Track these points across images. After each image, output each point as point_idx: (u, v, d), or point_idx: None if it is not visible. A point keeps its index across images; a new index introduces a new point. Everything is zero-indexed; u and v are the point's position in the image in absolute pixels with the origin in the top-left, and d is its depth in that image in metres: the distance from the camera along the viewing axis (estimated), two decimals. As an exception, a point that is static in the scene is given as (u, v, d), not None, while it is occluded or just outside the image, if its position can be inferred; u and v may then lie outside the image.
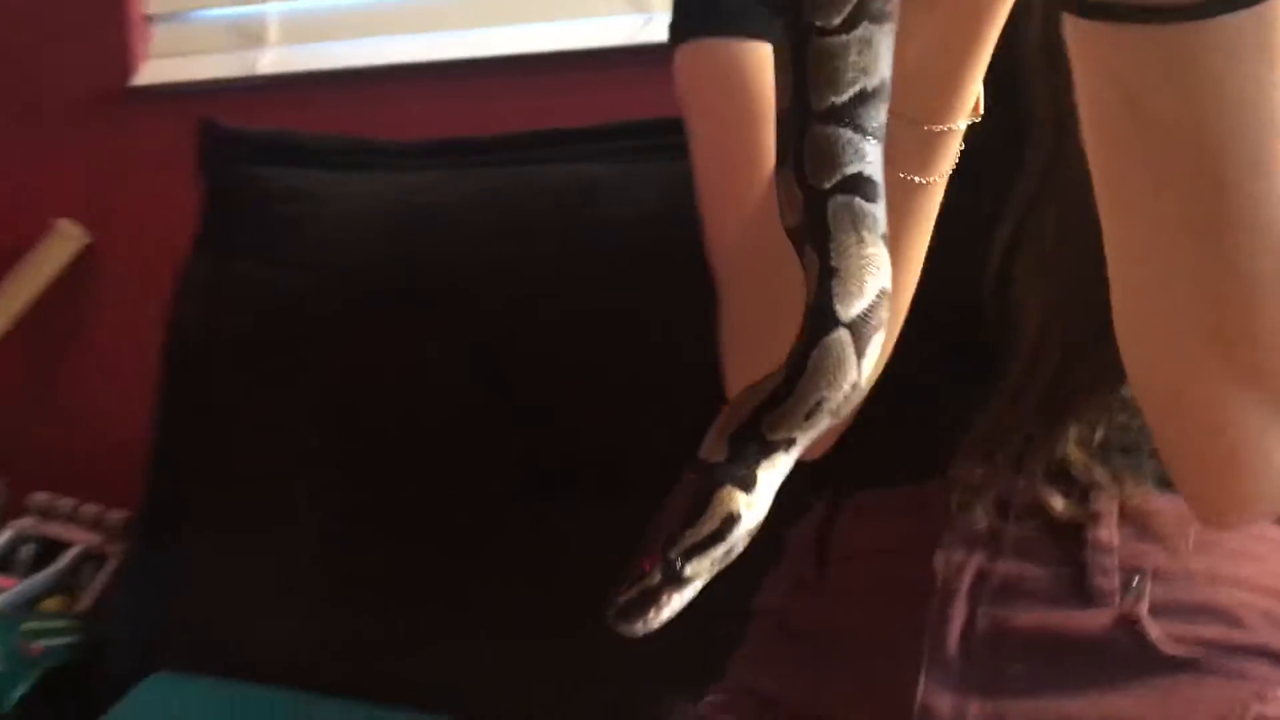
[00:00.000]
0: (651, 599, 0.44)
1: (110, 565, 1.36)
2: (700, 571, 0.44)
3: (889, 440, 0.75)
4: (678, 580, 0.44)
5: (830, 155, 0.44)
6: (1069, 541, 0.72)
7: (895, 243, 0.49)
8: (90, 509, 1.42)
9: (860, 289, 0.44)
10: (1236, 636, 0.70)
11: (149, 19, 1.66)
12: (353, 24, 1.58)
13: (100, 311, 1.70)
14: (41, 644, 1.22)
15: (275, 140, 1.33)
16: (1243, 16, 0.41)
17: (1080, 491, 0.72)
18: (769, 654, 0.82)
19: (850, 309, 0.43)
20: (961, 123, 0.54)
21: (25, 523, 1.41)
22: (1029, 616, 0.71)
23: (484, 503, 1.17)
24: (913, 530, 0.76)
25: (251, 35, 1.60)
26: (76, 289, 1.69)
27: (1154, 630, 0.70)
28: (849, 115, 0.43)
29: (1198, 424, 0.57)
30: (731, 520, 0.44)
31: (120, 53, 1.65)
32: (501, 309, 1.19)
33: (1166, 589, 0.70)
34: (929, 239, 0.60)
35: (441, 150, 1.31)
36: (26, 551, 1.40)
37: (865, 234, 0.44)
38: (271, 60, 1.58)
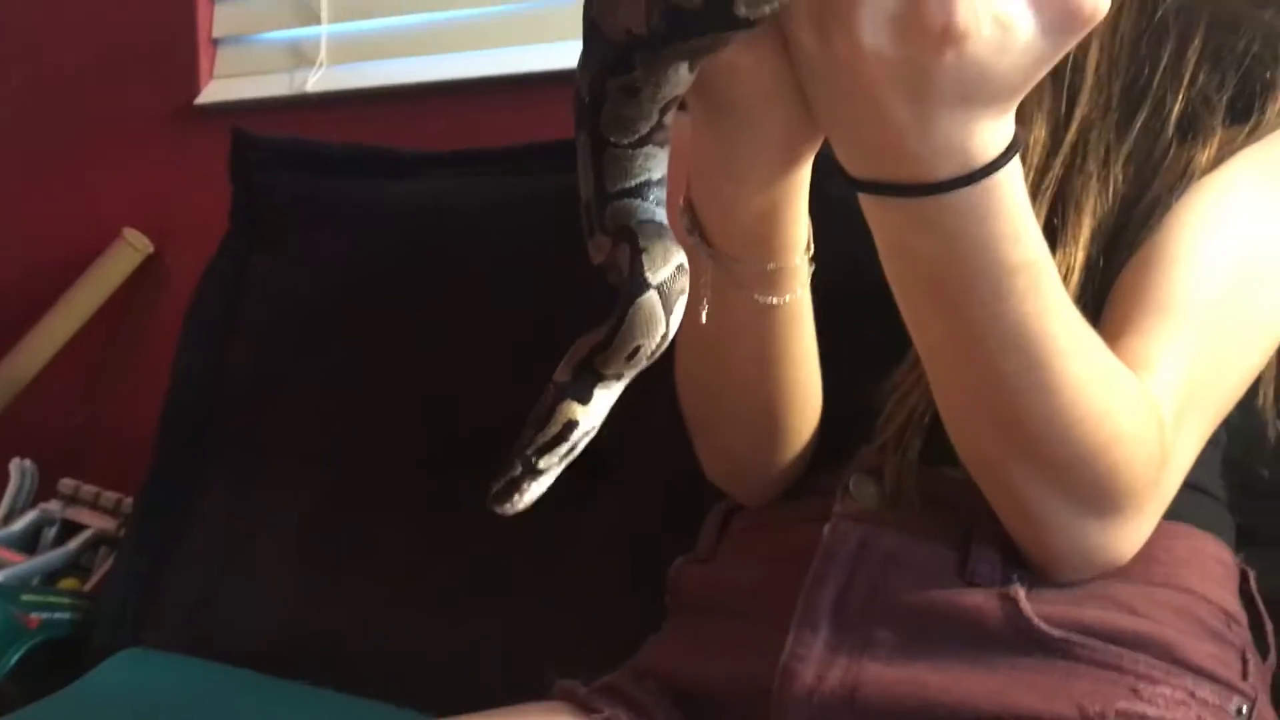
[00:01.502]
0: (515, 487, 0.56)
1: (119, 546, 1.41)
2: (551, 464, 0.56)
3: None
4: (534, 471, 0.56)
5: (625, 213, 0.56)
6: (955, 529, 0.69)
7: (784, 345, 0.68)
8: (110, 496, 1.47)
9: (665, 261, 0.55)
10: (1126, 624, 0.66)
11: (215, 41, 1.75)
12: (397, 44, 1.64)
13: (157, 316, 1.77)
14: (39, 616, 1.26)
15: (299, 149, 1.39)
16: (970, 190, 0.51)
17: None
18: (658, 633, 0.80)
19: (658, 276, 0.55)
20: (798, 259, 0.63)
21: (51, 506, 1.47)
22: (906, 587, 0.69)
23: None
24: (809, 508, 0.75)
25: (304, 56, 1.68)
26: (139, 295, 1.77)
27: (1032, 609, 0.66)
28: (638, 194, 0.56)
29: (998, 489, 0.66)
30: (571, 425, 0.56)
31: (188, 73, 1.75)
32: (514, 310, 1.20)
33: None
34: (812, 324, 0.70)
35: (458, 160, 1.34)
36: (50, 534, 1.46)
37: (662, 230, 0.57)
38: (320, 79, 1.65)
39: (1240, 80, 0.73)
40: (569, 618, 1.03)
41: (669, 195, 0.57)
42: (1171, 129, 0.73)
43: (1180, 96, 0.73)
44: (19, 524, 1.44)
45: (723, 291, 0.62)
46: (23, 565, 1.35)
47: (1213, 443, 0.74)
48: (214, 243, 1.65)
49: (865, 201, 0.55)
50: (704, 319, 0.61)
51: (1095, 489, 0.63)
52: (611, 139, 0.54)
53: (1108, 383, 0.61)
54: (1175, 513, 0.70)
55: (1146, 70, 0.74)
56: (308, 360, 1.29)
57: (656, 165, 0.56)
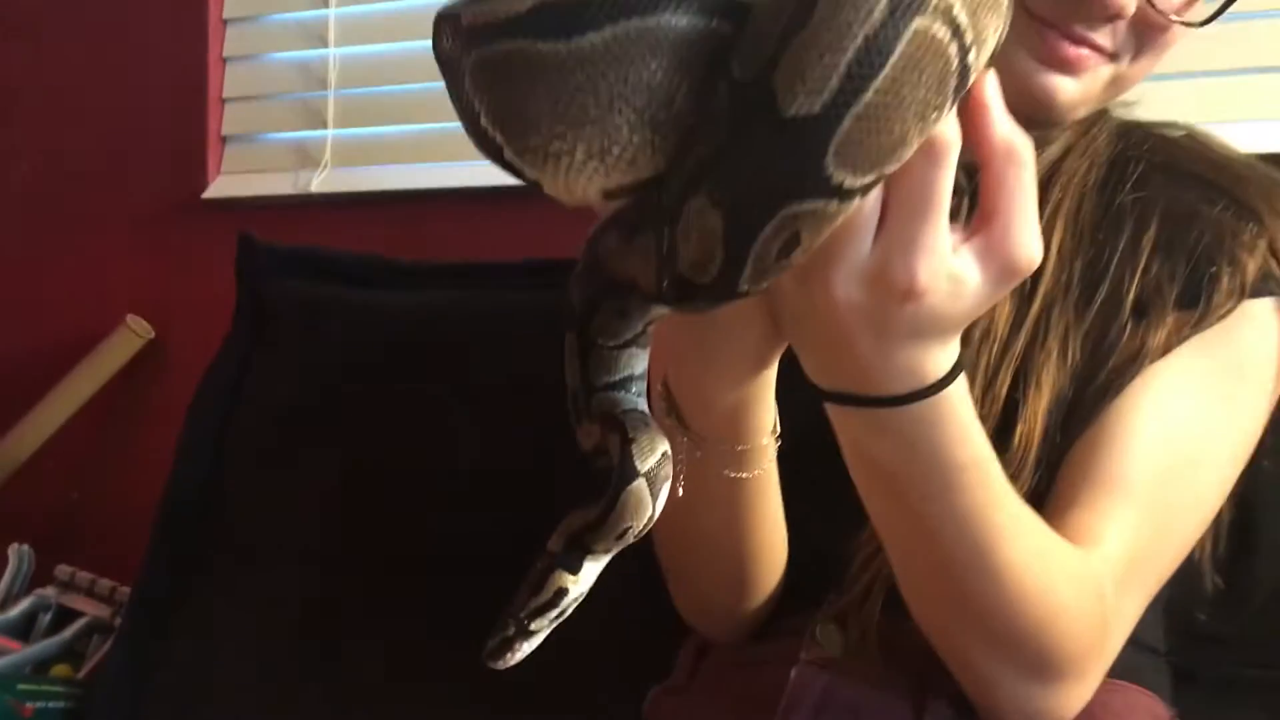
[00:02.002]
0: (508, 645, 0.62)
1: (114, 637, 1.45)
2: (541, 626, 0.62)
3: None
4: (526, 633, 0.62)
5: (610, 404, 0.62)
6: (912, 681, 0.75)
7: (751, 511, 0.75)
8: (105, 583, 1.52)
9: (652, 450, 0.61)
10: None
11: (224, 139, 1.82)
12: (400, 150, 1.71)
13: (157, 402, 1.82)
14: (33, 705, 1.30)
15: (302, 255, 1.45)
16: (922, 404, 0.57)
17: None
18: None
19: (646, 464, 0.61)
20: (765, 440, 0.69)
21: (47, 592, 1.51)
22: None
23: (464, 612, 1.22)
24: (778, 649, 0.80)
25: (309, 157, 1.75)
26: (139, 380, 1.83)
27: None
28: (622, 387, 0.63)
29: (949, 653, 0.72)
30: (562, 592, 0.62)
31: (198, 168, 1.81)
32: (506, 425, 1.25)
33: None
34: (778, 491, 0.76)
35: (457, 272, 1.41)
36: (45, 620, 1.50)
37: (647, 420, 0.62)
38: (324, 180, 1.72)
39: (1189, 270, 0.79)
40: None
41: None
42: (1127, 311, 0.79)
43: (1136, 281, 0.80)
44: (15, 610, 1.48)
45: (696, 467, 0.68)
46: (19, 654, 1.39)
47: (1156, 599, 0.80)
48: (215, 331, 1.70)
49: (829, 407, 0.61)
50: (679, 491, 0.67)
51: (1039, 658, 0.69)
52: (599, 340, 0.61)
53: (1049, 563, 0.67)
54: (1115, 670, 0.75)
55: (1105, 254, 0.81)
56: (302, 466, 1.34)
57: (639, 363, 0.63)
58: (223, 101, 1.82)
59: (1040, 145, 0.84)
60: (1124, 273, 0.80)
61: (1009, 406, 0.76)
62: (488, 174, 1.60)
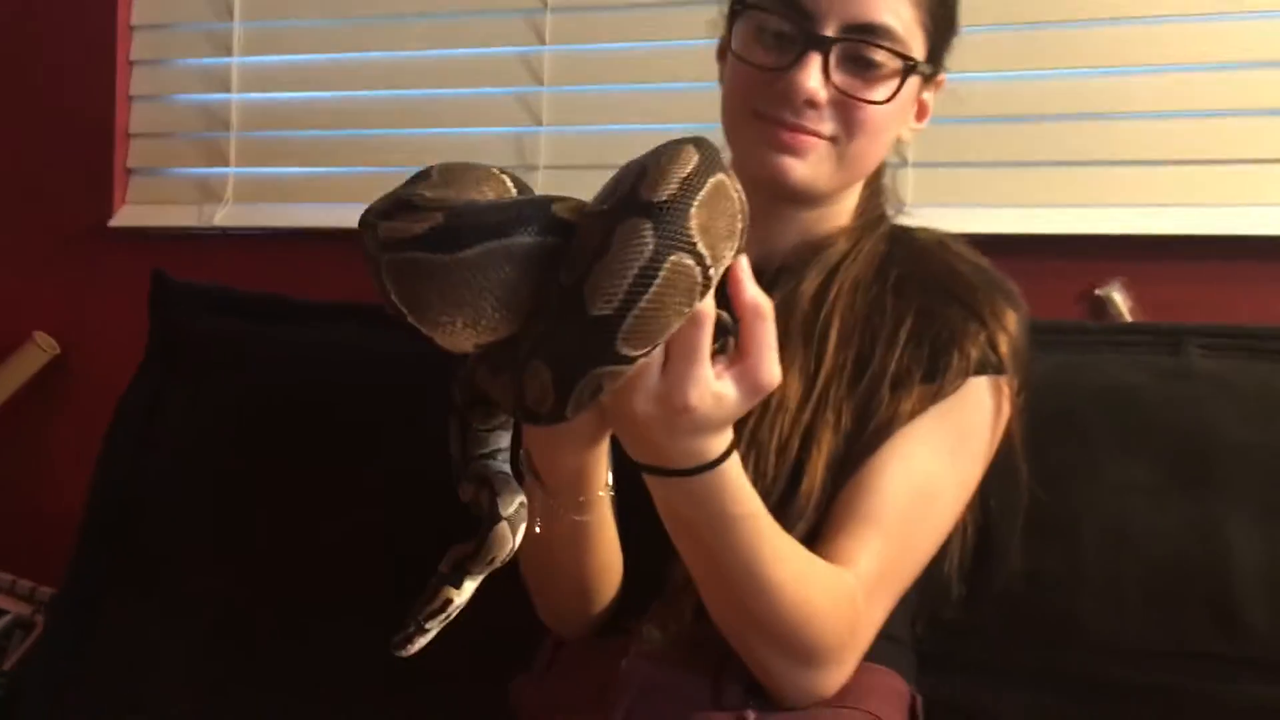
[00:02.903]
0: (409, 639, 0.85)
1: (35, 633, 1.61)
2: (433, 627, 0.86)
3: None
4: (422, 630, 0.85)
5: (482, 468, 0.88)
6: (712, 667, 0.98)
7: (592, 544, 0.96)
8: (25, 583, 1.67)
9: (511, 501, 0.86)
10: None
11: (129, 171, 1.97)
12: (298, 189, 1.89)
13: (63, 415, 1.97)
14: (-34, 695, 1.46)
15: (212, 293, 1.61)
16: (704, 475, 0.80)
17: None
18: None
19: (507, 511, 0.86)
20: (601, 492, 0.92)
21: (-31, 592, 1.66)
22: (675, 710, 0.97)
23: (363, 611, 1.41)
24: (615, 644, 1.03)
25: (212, 192, 1.91)
26: (45, 392, 1.97)
27: None
28: (491, 457, 0.89)
29: (739, 647, 0.95)
30: (448, 602, 0.85)
31: (103, 197, 1.96)
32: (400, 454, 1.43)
33: None
34: (614, 528, 0.98)
35: (349, 311, 1.59)
36: (-34, 616, 1.65)
37: (509, 479, 0.87)
38: (226, 214, 1.88)
39: (930, 356, 1.03)
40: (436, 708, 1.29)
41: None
42: (885, 386, 1.02)
43: (893, 364, 1.03)
44: (-62, 610, 1.62)
45: (550, 512, 0.90)
46: (-50, 649, 1.54)
47: (903, 601, 1.04)
48: (118, 350, 1.85)
49: (644, 476, 0.83)
50: (536, 529, 0.89)
51: (803, 650, 0.93)
52: (474, 425, 0.84)
53: (808, 580, 0.91)
54: (870, 655, 1.00)
55: (870, 343, 1.04)
56: (210, 489, 1.51)
57: (503, 439, 0.86)
58: (129, 136, 1.96)
59: (823, 248, 1.09)
60: (885, 358, 1.03)
61: (797, 463, 1.00)
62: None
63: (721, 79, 1.11)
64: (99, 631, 1.48)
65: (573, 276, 0.66)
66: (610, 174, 1.71)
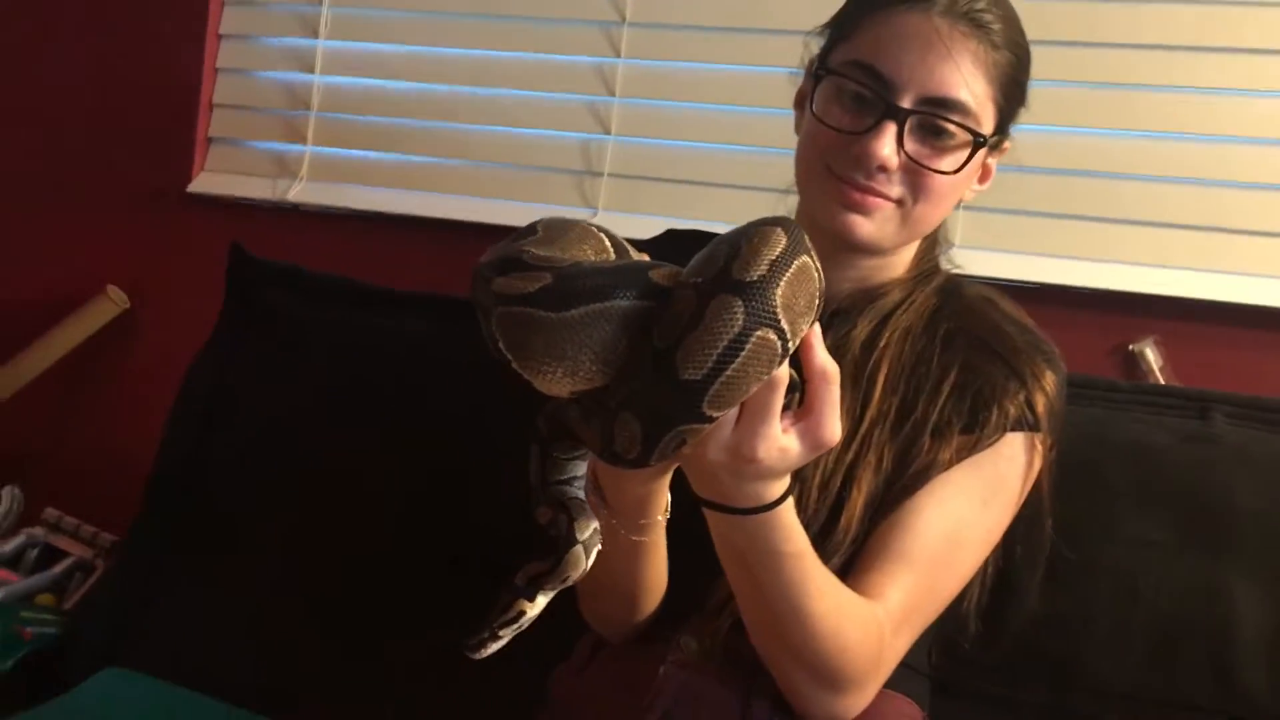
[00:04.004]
0: (483, 644, 0.93)
1: (95, 576, 1.71)
2: (506, 634, 0.93)
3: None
4: (495, 637, 0.93)
5: (559, 493, 0.94)
6: (744, 682, 1.06)
7: (645, 561, 1.05)
8: (89, 528, 1.77)
9: (587, 526, 0.93)
10: None
11: (210, 140, 2.05)
12: (371, 173, 1.96)
13: (129, 367, 2.07)
14: (32, 629, 1.56)
15: (287, 272, 1.69)
16: (762, 515, 0.88)
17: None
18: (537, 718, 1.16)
19: (582, 535, 0.92)
20: (660, 516, 0.99)
21: (36, 531, 1.76)
22: (706, 717, 1.05)
23: (415, 579, 1.50)
24: (653, 651, 1.11)
25: (287, 168, 1.99)
26: (115, 345, 2.07)
27: None
28: (568, 483, 0.95)
29: (773, 668, 1.02)
30: (521, 613, 0.93)
31: (184, 162, 2.05)
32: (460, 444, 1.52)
33: None
34: (665, 549, 1.06)
35: (423, 302, 1.66)
36: (33, 555, 1.75)
37: (584, 505, 0.94)
38: (300, 191, 1.96)
39: (971, 409, 1.10)
40: (476, 688, 1.37)
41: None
42: (927, 434, 1.09)
43: (935, 412, 1.10)
44: (9, 546, 1.72)
45: (610, 530, 0.98)
46: (18, 584, 1.64)
47: (923, 633, 1.12)
48: (186, 309, 1.95)
49: (704, 509, 0.91)
50: (600, 540, 0.97)
51: (832, 676, 1.00)
52: (554, 453, 0.92)
53: (843, 613, 0.98)
54: (888, 682, 1.07)
55: (915, 392, 1.11)
56: (275, 459, 1.60)
57: (580, 468, 0.93)
58: (212, 107, 2.05)
59: (878, 296, 1.16)
60: (929, 407, 1.10)
61: (838, 500, 1.07)
62: (454, 206, 1.87)
63: (798, 127, 1.18)
64: (160, 585, 1.57)
65: (666, 341, 0.73)
66: (671, 186, 1.77)
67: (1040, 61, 1.47)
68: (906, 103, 1.05)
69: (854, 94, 1.08)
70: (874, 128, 1.06)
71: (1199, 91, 1.56)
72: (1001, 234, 1.62)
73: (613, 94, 1.82)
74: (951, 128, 1.07)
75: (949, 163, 1.08)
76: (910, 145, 1.06)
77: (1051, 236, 1.61)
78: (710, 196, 1.76)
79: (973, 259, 1.48)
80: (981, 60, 1.07)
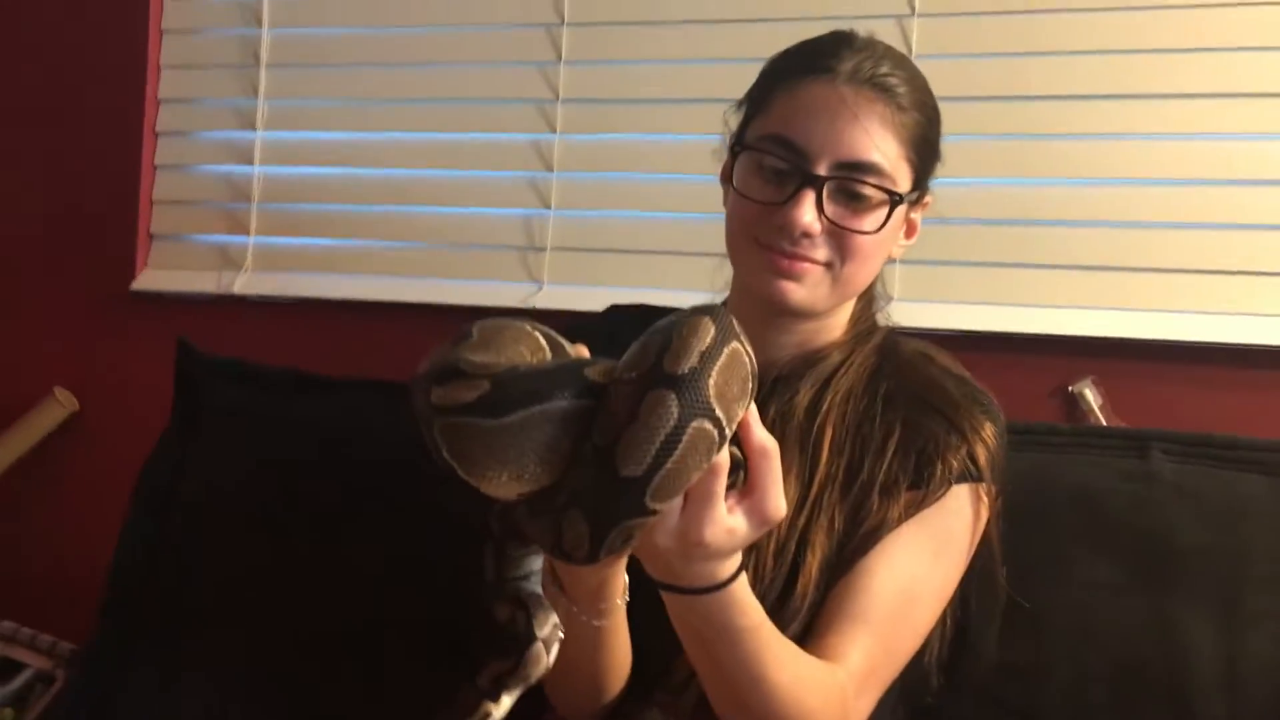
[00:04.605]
0: None
1: (56, 686, 1.69)
2: None
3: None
4: None
5: (515, 589, 0.93)
6: None
7: (607, 645, 1.05)
8: (46, 637, 1.75)
9: (546, 621, 0.91)
10: None
11: (152, 236, 2.06)
12: (316, 260, 1.97)
13: (79, 469, 2.05)
14: (-7, 747, 1.53)
15: (234, 366, 1.70)
16: (715, 594, 0.89)
17: None
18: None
19: (543, 632, 0.91)
20: (619, 600, 1.00)
21: (-8, 644, 1.74)
22: None
23: (380, 663, 1.49)
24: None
25: (231, 260, 2.00)
26: (65, 448, 2.05)
27: None
28: (525, 579, 0.95)
29: None
30: (487, 715, 0.90)
31: (127, 261, 2.05)
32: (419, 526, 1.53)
33: None
34: (626, 631, 1.06)
35: (373, 387, 1.66)
36: (-12, 668, 1.72)
37: (542, 600, 0.93)
38: (245, 282, 1.97)
39: (916, 466, 1.12)
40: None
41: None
42: (875, 493, 1.12)
43: (882, 472, 1.12)
44: (-36, 662, 1.70)
45: (570, 617, 0.99)
46: (-24, 703, 1.62)
47: (888, 690, 1.13)
48: (136, 408, 1.94)
49: (660, 590, 0.92)
50: (561, 634, 0.97)
51: None
52: (509, 551, 0.93)
53: (804, 682, 0.99)
54: (857, 741, 1.09)
55: (861, 453, 1.14)
56: (231, 553, 1.59)
57: (536, 563, 0.94)
58: (153, 203, 2.05)
59: (818, 360, 1.18)
60: (875, 466, 1.13)
61: (793, 566, 1.09)
62: (402, 288, 1.87)
63: (725, 201, 1.21)
64: (123, 686, 1.55)
65: (606, 439, 0.75)
66: (614, 256, 1.80)
67: (964, 117, 1.53)
68: (822, 169, 1.09)
69: (771, 166, 1.12)
70: (793, 196, 1.09)
71: (1122, 138, 1.61)
72: (937, 285, 1.66)
73: (551, 169, 1.85)
74: (867, 189, 1.10)
75: (870, 222, 1.11)
76: (830, 209, 1.10)
77: (987, 285, 1.65)
78: (653, 264, 1.78)
79: (912, 311, 1.52)
80: (890, 122, 1.10)
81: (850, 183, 1.10)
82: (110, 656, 1.58)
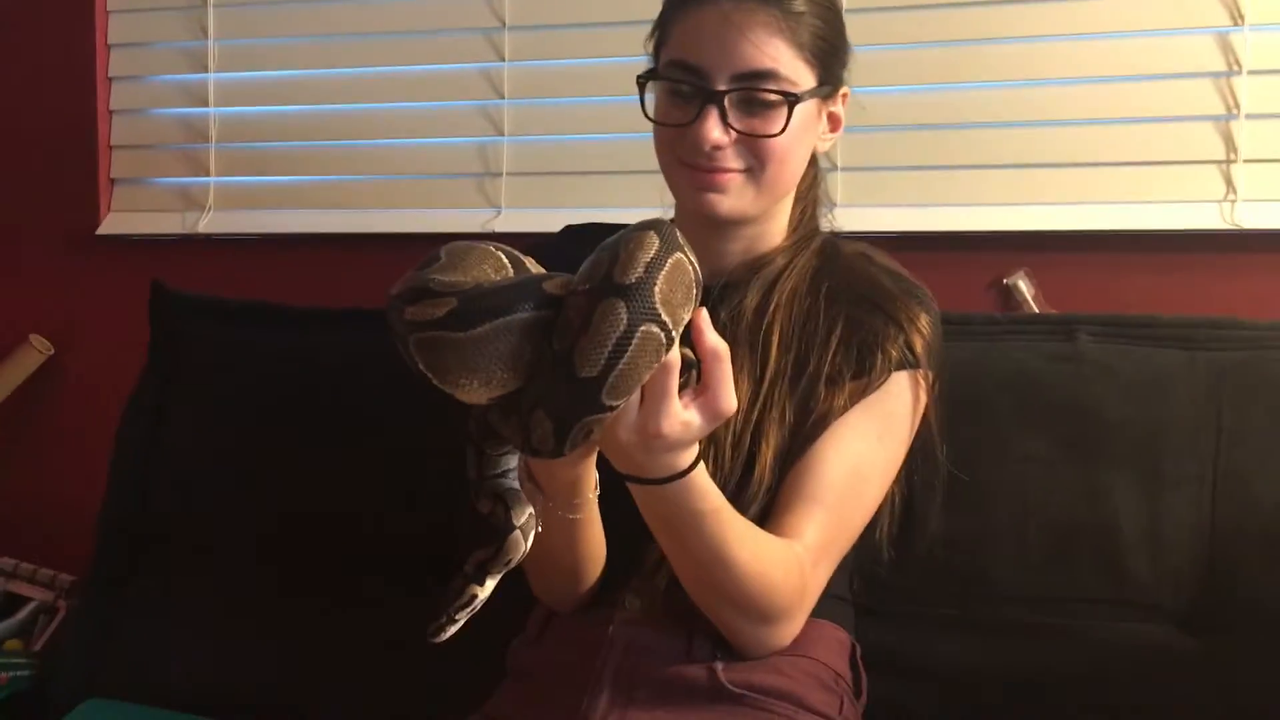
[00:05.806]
0: (441, 629, 1.00)
1: (59, 617, 1.77)
2: (461, 617, 1.00)
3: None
4: (452, 621, 1.00)
5: (495, 486, 1.03)
6: (685, 628, 1.17)
7: (581, 535, 1.14)
8: (47, 571, 1.83)
9: (522, 513, 1.02)
10: (774, 682, 1.15)
11: (114, 181, 2.10)
12: (278, 196, 2.03)
13: (60, 411, 2.12)
14: (6, 674, 1.62)
15: (207, 303, 1.76)
16: (675, 482, 0.98)
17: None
18: (500, 690, 1.26)
19: (519, 521, 1.01)
20: (590, 494, 1.08)
21: (-7, 580, 1.82)
22: (654, 665, 1.16)
23: (371, 583, 1.58)
24: (601, 614, 1.21)
25: (194, 201, 2.04)
26: (42, 392, 2.11)
27: (725, 676, 1.14)
28: (503, 476, 1.04)
29: (708, 611, 1.13)
30: (473, 597, 1.00)
31: (90, 206, 2.09)
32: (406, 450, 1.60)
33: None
34: (600, 522, 1.14)
35: (333, 317, 1.73)
36: (-8, 603, 1.80)
37: (518, 494, 1.03)
38: (209, 221, 2.02)
39: (858, 357, 1.21)
40: (437, 671, 1.46)
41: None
42: (822, 384, 1.20)
43: (827, 364, 1.21)
44: (-33, 597, 1.78)
45: (547, 512, 1.08)
46: (-13, 634, 1.70)
47: (842, 564, 1.23)
48: (110, 349, 1.99)
49: (626, 482, 1.01)
50: (539, 529, 1.06)
51: (761, 612, 1.11)
52: (487, 451, 1.01)
53: (765, 557, 1.09)
54: (816, 611, 1.18)
55: (805, 348, 1.22)
56: (218, 477, 1.67)
57: (512, 461, 1.03)
58: (111, 148, 2.09)
59: (763, 265, 1.26)
60: (820, 360, 1.21)
61: (749, 455, 1.18)
62: (364, 220, 1.94)
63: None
64: (125, 610, 1.63)
65: (564, 345, 0.83)
66: (568, 179, 1.85)
67: (893, 28, 1.59)
68: (720, 85, 1.16)
69: (678, 90, 1.19)
70: (699, 115, 1.16)
71: (1041, 40, 1.69)
72: (877, 190, 1.74)
73: (502, 96, 1.90)
74: (766, 95, 1.16)
75: (773, 125, 1.17)
76: (735, 120, 1.16)
77: (922, 187, 1.73)
78: (605, 184, 1.85)
79: (854, 216, 1.60)
80: (777, 28, 1.16)
81: (748, 92, 1.16)
82: (111, 582, 1.66)
